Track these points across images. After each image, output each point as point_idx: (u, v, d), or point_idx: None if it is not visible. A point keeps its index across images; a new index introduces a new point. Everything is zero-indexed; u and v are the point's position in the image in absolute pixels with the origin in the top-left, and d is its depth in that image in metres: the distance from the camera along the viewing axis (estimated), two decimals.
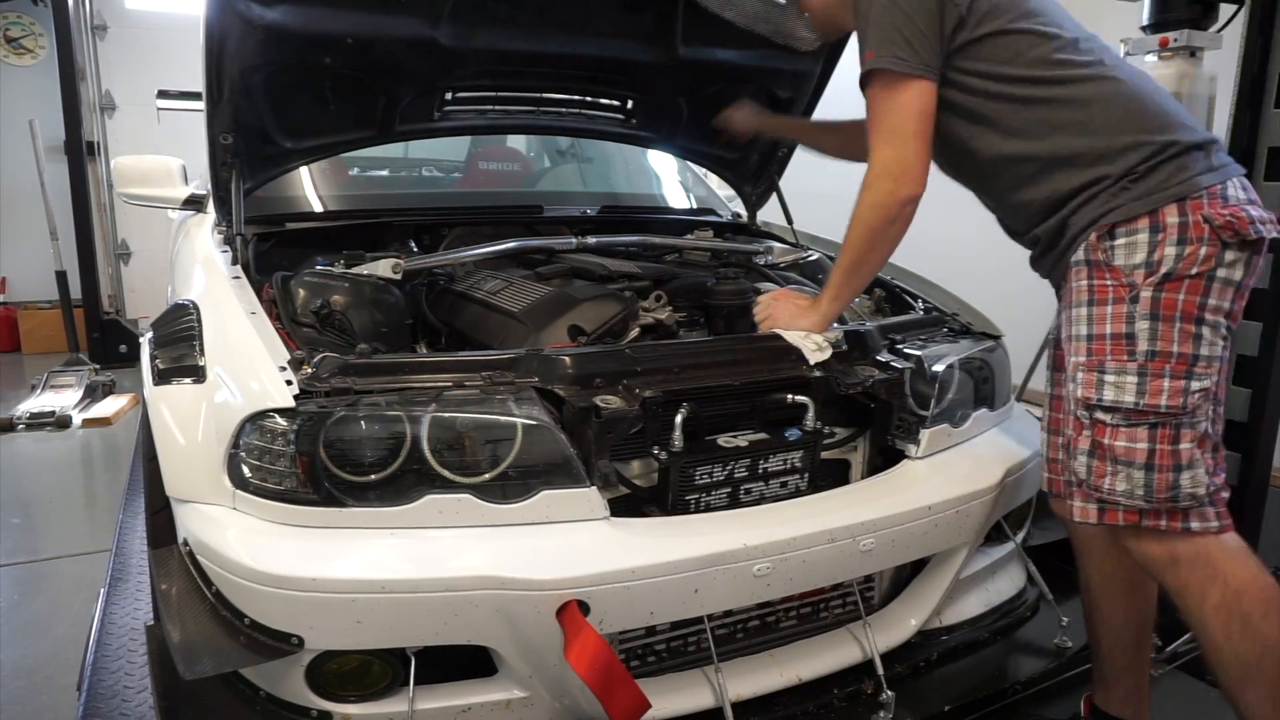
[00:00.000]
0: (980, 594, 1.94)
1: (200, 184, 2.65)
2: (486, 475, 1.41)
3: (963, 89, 1.50)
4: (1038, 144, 1.47)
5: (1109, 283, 1.39)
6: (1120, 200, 1.39)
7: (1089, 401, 1.42)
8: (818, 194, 2.78)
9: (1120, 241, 1.38)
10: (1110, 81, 1.45)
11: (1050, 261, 1.55)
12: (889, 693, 1.61)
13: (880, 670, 1.63)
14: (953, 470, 1.74)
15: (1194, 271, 1.35)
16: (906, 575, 1.82)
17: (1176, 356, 1.36)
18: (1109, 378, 1.39)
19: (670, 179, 3.27)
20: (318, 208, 2.48)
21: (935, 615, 1.82)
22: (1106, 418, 1.40)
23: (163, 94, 3.68)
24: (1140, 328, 1.36)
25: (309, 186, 2.53)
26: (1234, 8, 2.09)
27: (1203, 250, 1.35)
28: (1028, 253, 1.63)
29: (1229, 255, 1.36)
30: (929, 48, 1.46)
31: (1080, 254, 1.44)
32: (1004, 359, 2.03)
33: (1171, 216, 1.36)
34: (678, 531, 1.47)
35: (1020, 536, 2.01)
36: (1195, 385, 1.36)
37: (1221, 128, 2.10)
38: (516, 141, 3.42)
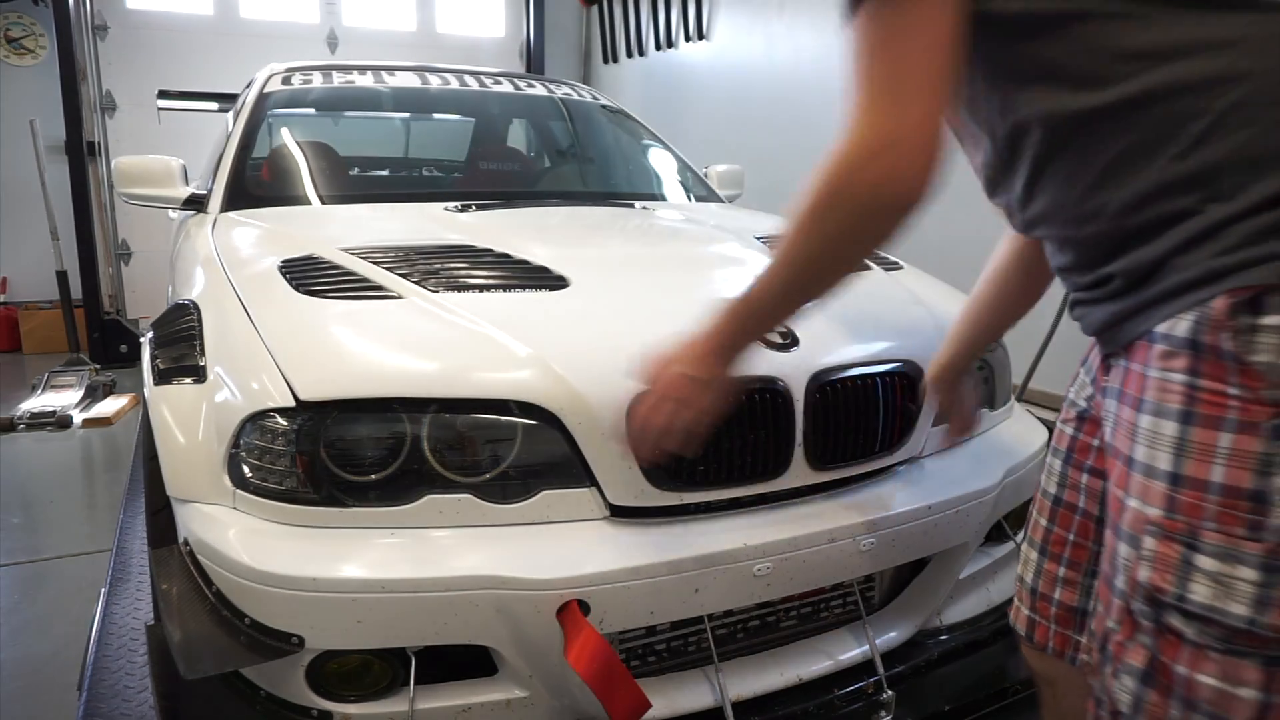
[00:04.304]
0: (980, 594, 1.94)
1: (200, 184, 2.66)
2: (487, 475, 1.41)
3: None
4: (1131, 86, 0.81)
5: (1233, 392, 0.78)
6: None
7: (1158, 593, 0.84)
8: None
9: (1272, 322, 0.76)
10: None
11: (1111, 315, 0.91)
12: (889, 692, 1.61)
13: (880, 670, 1.63)
14: (953, 470, 1.74)
15: None
16: (906, 575, 1.82)
17: None
18: (1205, 562, 0.80)
19: (670, 179, 3.28)
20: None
21: (935, 615, 1.82)
22: (1188, 629, 0.82)
23: (163, 94, 3.70)
24: None
25: (309, 186, 2.53)
26: None
27: None
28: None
29: None
30: None
31: (1183, 327, 0.81)
32: (1004, 359, 2.03)
33: None
34: (678, 531, 1.47)
35: (1020, 536, 2.01)
36: None
37: None
38: (517, 141, 3.43)
